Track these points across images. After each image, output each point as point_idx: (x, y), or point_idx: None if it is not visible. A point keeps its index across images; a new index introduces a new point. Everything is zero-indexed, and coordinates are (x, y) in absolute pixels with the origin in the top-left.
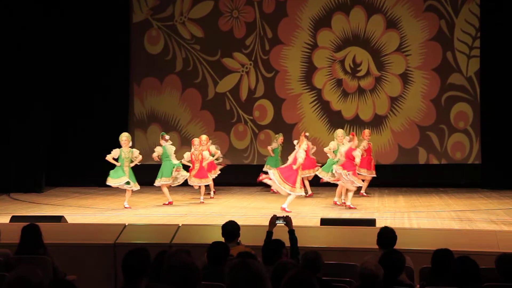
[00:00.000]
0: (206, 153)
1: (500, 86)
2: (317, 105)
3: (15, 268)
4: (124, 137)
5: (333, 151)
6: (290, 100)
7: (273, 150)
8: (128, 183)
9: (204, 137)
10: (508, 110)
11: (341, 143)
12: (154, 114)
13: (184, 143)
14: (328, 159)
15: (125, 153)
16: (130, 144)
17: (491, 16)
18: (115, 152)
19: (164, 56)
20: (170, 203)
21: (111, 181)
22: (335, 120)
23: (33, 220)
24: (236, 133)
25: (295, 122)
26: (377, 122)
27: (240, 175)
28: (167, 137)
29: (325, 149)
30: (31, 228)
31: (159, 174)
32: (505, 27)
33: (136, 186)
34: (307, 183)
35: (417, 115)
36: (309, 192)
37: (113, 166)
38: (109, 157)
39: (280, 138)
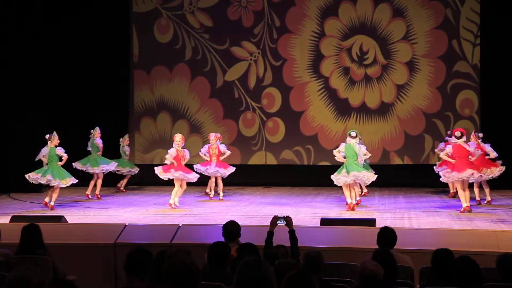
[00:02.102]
0: (187, 153)
1: (501, 76)
2: (324, 93)
3: (15, 268)
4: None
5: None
6: (298, 88)
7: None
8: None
9: (179, 136)
10: (508, 110)
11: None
12: (164, 102)
13: (193, 131)
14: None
15: (49, 151)
16: (57, 143)
17: (492, 5)
18: (43, 151)
19: (173, 45)
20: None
21: (33, 174)
22: (342, 108)
23: (33, 220)
24: (244, 120)
25: (303, 110)
26: (383, 110)
27: (240, 175)
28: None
29: (364, 153)
30: (31, 228)
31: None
32: (505, 16)
33: (60, 182)
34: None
35: (423, 102)
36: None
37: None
38: (39, 157)
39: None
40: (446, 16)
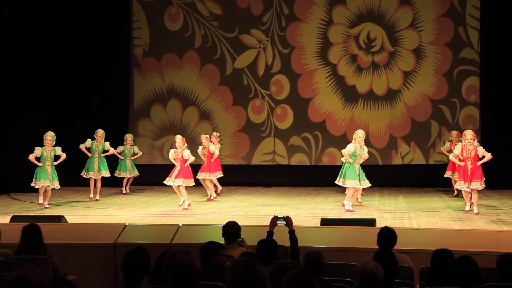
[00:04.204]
0: (186, 153)
1: (503, 63)
2: (332, 80)
3: (15, 268)
4: (49, 136)
5: (350, 154)
6: (306, 75)
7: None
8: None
9: (179, 138)
10: (508, 113)
11: (359, 145)
12: (174, 89)
13: (202, 118)
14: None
15: (47, 152)
16: (54, 143)
17: None
18: (37, 151)
19: (183, 33)
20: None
21: (38, 182)
22: (349, 95)
23: (33, 220)
24: (253, 107)
25: (311, 96)
26: (390, 96)
27: (240, 175)
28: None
29: (364, 155)
30: (31, 228)
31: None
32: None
33: (56, 185)
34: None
35: (429, 89)
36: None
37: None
38: (31, 157)
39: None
40: (452, 3)
